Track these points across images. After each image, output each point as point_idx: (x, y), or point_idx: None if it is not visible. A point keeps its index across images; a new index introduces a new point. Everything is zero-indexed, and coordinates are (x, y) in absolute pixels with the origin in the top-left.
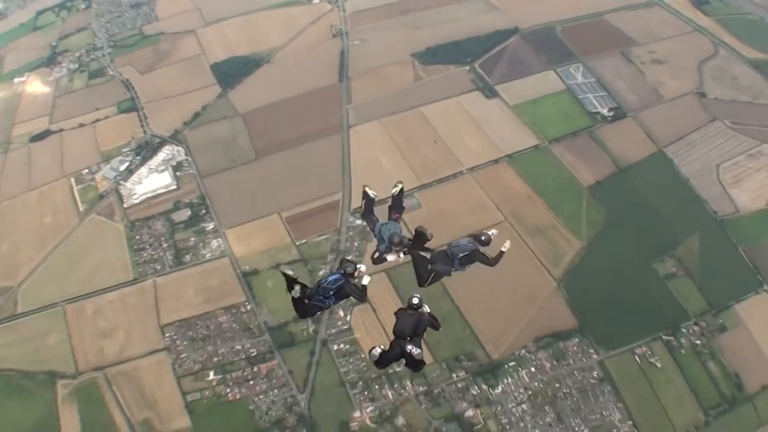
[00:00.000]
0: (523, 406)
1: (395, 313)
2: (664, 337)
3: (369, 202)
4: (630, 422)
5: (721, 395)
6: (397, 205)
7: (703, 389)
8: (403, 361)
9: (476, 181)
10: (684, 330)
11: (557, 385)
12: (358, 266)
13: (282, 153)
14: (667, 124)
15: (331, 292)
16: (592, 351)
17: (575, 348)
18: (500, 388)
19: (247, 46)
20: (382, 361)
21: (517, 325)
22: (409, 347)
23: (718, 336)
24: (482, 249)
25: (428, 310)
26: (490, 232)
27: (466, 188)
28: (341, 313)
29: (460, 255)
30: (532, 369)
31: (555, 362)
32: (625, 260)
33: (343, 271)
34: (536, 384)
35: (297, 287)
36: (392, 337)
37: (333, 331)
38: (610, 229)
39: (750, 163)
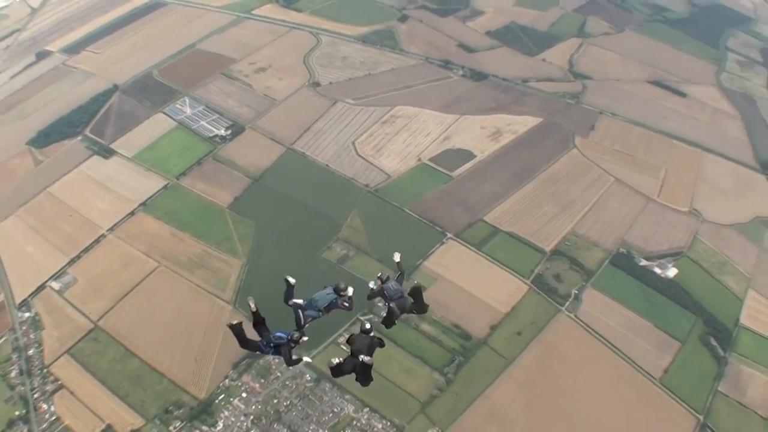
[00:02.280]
0: None
1: (348, 339)
2: (362, 318)
3: (289, 289)
4: (366, 409)
5: (449, 350)
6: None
7: (427, 352)
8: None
9: (120, 239)
10: (380, 304)
11: (275, 401)
12: (303, 337)
13: None
14: (288, 122)
15: (272, 345)
16: (295, 357)
17: (276, 359)
18: (221, 424)
19: None
20: (338, 371)
21: (209, 358)
22: (362, 357)
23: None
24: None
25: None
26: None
27: (113, 248)
28: (45, 406)
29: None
30: (244, 394)
31: (263, 380)
32: (291, 261)
33: (290, 336)
34: (254, 407)
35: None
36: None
37: (44, 426)
38: (264, 238)
39: (386, 129)
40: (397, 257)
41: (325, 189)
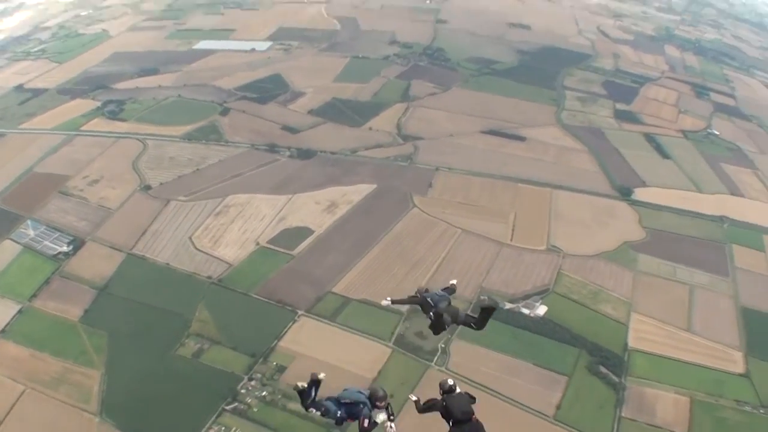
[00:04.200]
0: None
1: (437, 407)
2: (227, 407)
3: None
4: None
5: (322, 425)
6: None
7: (299, 430)
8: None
9: None
10: (243, 390)
11: None
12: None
13: None
14: (125, 229)
15: (343, 410)
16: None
17: None
18: None
19: None
20: None
21: None
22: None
23: (280, 378)
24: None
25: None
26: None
27: None
28: None
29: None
30: None
31: None
32: (148, 363)
33: (370, 397)
34: None
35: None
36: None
37: None
38: (118, 345)
39: (221, 220)
40: (453, 282)
41: (168, 288)
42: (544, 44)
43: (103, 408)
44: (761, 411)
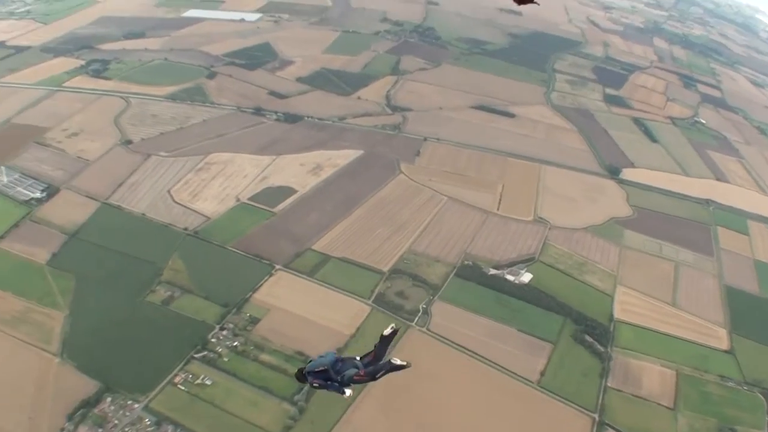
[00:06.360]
0: None
1: None
2: (196, 355)
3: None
4: None
5: (294, 378)
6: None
7: (271, 382)
8: None
9: None
10: (214, 340)
11: None
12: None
13: None
14: (102, 179)
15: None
16: (130, 402)
17: (112, 406)
18: None
19: None
20: None
21: (43, 413)
22: None
23: (253, 329)
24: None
25: None
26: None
27: None
28: None
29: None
30: None
31: (101, 429)
32: (116, 307)
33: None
34: None
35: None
36: None
37: None
38: (85, 289)
39: (202, 176)
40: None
41: (142, 237)
42: (534, 29)
43: (64, 349)
44: (745, 387)
